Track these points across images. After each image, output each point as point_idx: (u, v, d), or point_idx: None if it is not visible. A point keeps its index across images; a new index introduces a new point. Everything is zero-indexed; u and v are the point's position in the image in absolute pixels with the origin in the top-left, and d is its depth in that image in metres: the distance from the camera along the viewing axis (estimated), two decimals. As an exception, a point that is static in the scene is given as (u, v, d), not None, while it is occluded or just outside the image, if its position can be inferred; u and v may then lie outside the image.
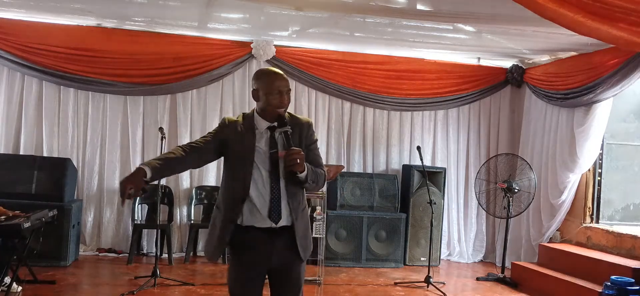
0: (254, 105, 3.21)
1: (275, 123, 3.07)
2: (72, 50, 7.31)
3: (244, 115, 3.20)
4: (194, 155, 3.08)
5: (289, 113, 3.17)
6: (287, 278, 3.13)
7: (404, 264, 7.89)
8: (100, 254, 7.48)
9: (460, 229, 8.58)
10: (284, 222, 3.05)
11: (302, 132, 3.15)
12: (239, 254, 3.08)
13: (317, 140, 3.28)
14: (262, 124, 3.11)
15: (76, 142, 7.56)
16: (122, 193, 2.78)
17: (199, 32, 7.54)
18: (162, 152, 6.29)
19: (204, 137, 3.18)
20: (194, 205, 7.69)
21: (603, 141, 7.21)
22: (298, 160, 2.93)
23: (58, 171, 6.77)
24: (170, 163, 3.02)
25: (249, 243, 3.04)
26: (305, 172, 3.00)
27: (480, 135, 8.67)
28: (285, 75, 3.17)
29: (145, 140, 7.71)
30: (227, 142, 3.10)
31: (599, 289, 5.84)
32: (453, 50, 7.88)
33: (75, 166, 7.29)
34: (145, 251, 7.66)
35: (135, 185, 2.80)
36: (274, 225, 3.03)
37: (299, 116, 3.24)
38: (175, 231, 7.72)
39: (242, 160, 3.05)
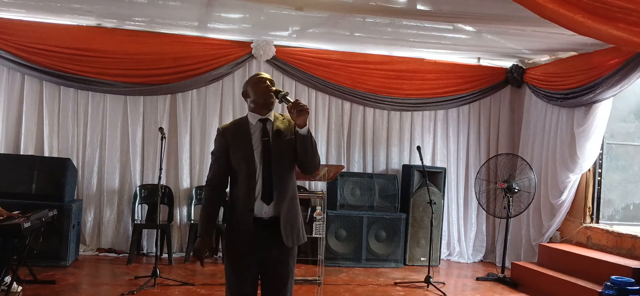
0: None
1: (267, 117, 3.31)
2: (72, 50, 7.31)
3: (238, 120, 3.42)
4: (222, 186, 3.36)
5: (283, 115, 3.39)
6: (273, 270, 3.29)
7: (404, 264, 7.89)
8: (100, 254, 7.48)
9: (460, 229, 8.57)
10: (271, 211, 3.22)
11: (293, 126, 3.27)
12: (232, 248, 3.30)
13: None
14: (254, 119, 3.33)
15: (76, 142, 7.56)
16: (201, 259, 3.28)
17: (199, 32, 7.53)
18: (163, 152, 6.31)
19: (215, 161, 3.35)
20: (194, 205, 7.68)
21: (603, 141, 7.21)
22: (304, 107, 3.10)
23: (58, 171, 6.77)
24: (216, 212, 3.41)
25: (240, 235, 3.25)
26: (306, 128, 3.15)
27: (480, 135, 8.67)
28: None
29: (145, 140, 7.71)
30: (229, 147, 3.29)
31: (599, 289, 5.85)
32: (453, 50, 7.88)
33: (75, 166, 7.29)
34: (145, 251, 7.66)
35: (209, 248, 3.30)
36: (263, 216, 3.22)
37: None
38: (175, 231, 7.71)
39: (245, 158, 3.25)
